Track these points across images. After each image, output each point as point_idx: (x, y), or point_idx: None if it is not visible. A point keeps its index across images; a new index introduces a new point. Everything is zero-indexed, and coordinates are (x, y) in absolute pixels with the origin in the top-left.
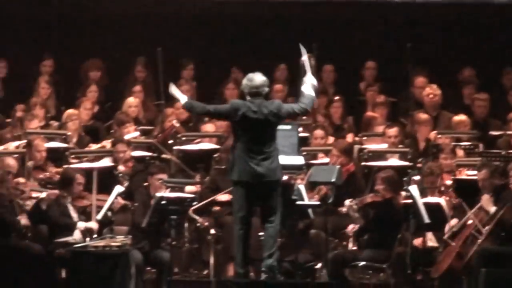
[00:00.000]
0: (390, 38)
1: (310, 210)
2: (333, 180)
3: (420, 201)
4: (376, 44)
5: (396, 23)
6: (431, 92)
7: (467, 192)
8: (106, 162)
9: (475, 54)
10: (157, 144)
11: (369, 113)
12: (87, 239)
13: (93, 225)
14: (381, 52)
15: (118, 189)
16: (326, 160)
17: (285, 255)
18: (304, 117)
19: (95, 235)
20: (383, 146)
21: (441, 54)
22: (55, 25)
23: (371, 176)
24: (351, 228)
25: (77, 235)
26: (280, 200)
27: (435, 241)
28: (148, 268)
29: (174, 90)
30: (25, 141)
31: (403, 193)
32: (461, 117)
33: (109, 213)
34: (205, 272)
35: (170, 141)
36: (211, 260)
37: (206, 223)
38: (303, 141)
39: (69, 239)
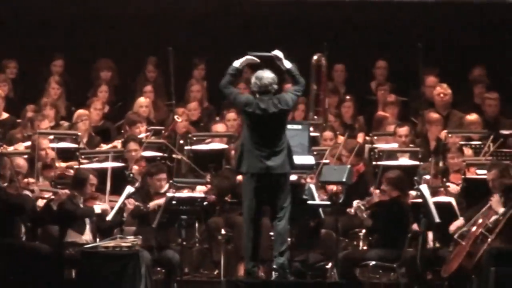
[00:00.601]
0: (401, 37)
1: (320, 210)
2: (344, 179)
3: (431, 200)
4: (387, 44)
5: (407, 22)
6: (441, 91)
7: (476, 191)
8: (114, 163)
9: (486, 53)
10: (168, 144)
11: (380, 113)
12: (97, 239)
13: (106, 206)
14: (392, 51)
15: (129, 189)
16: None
17: (296, 255)
18: (315, 117)
19: (108, 218)
20: (394, 145)
21: (452, 54)
22: (66, 25)
23: (378, 176)
24: (356, 204)
25: (87, 234)
26: (290, 197)
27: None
28: (158, 269)
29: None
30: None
31: (414, 193)
32: (473, 116)
33: (125, 214)
34: (216, 272)
35: (181, 141)
36: (222, 260)
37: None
38: (314, 141)
39: (79, 239)
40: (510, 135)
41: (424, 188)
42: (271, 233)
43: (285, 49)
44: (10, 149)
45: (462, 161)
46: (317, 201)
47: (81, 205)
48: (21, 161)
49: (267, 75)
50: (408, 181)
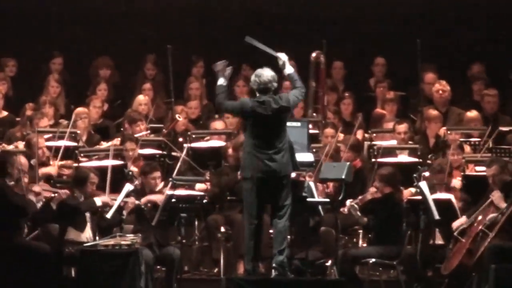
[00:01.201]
0: (400, 34)
1: (320, 207)
2: (343, 176)
3: (430, 197)
4: (385, 40)
5: (405, 19)
6: (440, 88)
7: (476, 188)
8: (114, 160)
9: (485, 50)
10: (167, 142)
11: (379, 110)
12: (97, 237)
13: (107, 199)
14: (390, 48)
15: (128, 187)
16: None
17: (295, 253)
18: (314, 114)
19: (108, 215)
20: (393, 142)
21: (451, 50)
22: (65, 23)
23: (373, 172)
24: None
25: (88, 232)
26: (290, 195)
27: (441, 239)
28: (158, 267)
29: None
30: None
31: (413, 190)
32: (473, 113)
33: (125, 212)
34: (215, 270)
35: (180, 139)
36: (221, 258)
37: None
38: (313, 139)
39: (79, 237)
40: (509, 132)
41: (423, 185)
42: (271, 231)
43: (284, 46)
44: (10, 147)
45: (462, 158)
46: (317, 199)
47: None
48: (23, 159)
49: (266, 73)
50: (402, 177)
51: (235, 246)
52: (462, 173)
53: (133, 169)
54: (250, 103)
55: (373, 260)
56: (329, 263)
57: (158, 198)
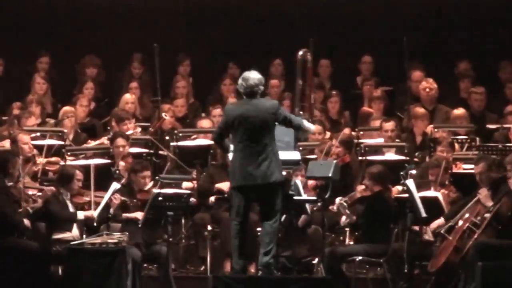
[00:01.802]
0: (387, 32)
1: (307, 205)
2: (330, 175)
3: (417, 195)
4: (372, 38)
5: (392, 16)
6: (427, 86)
7: (464, 186)
8: (100, 159)
9: (472, 48)
10: (154, 140)
11: (366, 108)
12: (84, 236)
13: (93, 213)
14: (377, 46)
15: (115, 186)
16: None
17: (282, 251)
18: (301, 113)
19: (94, 224)
20: (380, 140)
21: (438, 48)
22: (51, 22)
23: (361, 170)
24: (344, 219)
25: (75, 231)
26: (280, 200)
27: (431, 236)
28: (145, 265)
29: None
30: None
31: (399, 187)
32: (460, 110)
33: (111, 210)
34: (202, 268)
35: (167, 137)
36: (208, 256)
37: None
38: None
39: (66, 236)
40: (496, 130)
41: (410, 183)
42: (259, 229)
43: (271, 44)
44: None
45: (451, 156)
46: (304, 197)
47: (68, 201)
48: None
49: (253, 76)
50: (392, 175)
51: (222, 244)
52: (449, 171)
53: (121, 163)
54: (236, 108)
55: (360, 257)
56: (316, 261)
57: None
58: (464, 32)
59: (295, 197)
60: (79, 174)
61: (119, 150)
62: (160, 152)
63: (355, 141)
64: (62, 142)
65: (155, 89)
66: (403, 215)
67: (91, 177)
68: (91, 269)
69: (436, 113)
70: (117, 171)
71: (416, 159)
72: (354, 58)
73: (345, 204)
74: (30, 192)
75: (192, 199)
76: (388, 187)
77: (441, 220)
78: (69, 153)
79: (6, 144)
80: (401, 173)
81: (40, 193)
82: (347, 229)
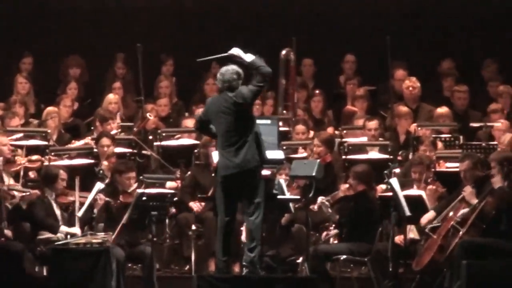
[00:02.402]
0: (369, 31)
1: (291, 204)
2: (313, 174)
3: (401, 193)
4: (355, 37)
5: (374, 15)
6: (410, 84)
7: (447, 184)
8: (84, 159)
9: (454, 46)
10: (138, 140)
11: (349, 107)
12: (69, 236)
13: (76, 230)
14: (360, 45)
15: (99, 186)
16: (304, 154)
17: (267, 250)
18: (284, 112)
19: (78, 214)
20: (363, 139)
21: (420, 47)
22: (35, 22)
23: (347, 170)
24: (325, 235)
25: (75, 229)
26: (262, 192)
27: (416, 234)
28: (130, 265)
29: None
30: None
31: (383, 186)
32: (443, 109)
33: (95, 211)
34: (187, 267)
35: (150, 137)
36: (193, 256)
37: None
38: (284, 136)
39: (51, 236)
40: (479, 128)
41: (394, 181)
42: (242, 228)
43: (253, 44)
44: None
45: (434, 154)
46: (287, 196)
47: (53, 202)
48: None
49: (231, 69)
50: (376, 175)
51: (206, 243)
52: (433, 170)
53: (105, 163)
54: (212, 103)
55: (344, 256)
56: (300, 260)
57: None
58: (447, 30)
59: (278, 196)
60: (63, 174)
61: (104, 150)
62: (144, 152)
63: (339, 140)
64: (46, 143)
65: (138, 89)
66: (387, 214)
67: (76, 177)
68: (76, 269)
69: (420, 112)
70: (101, 171)
71: (399, 158)
72: (337, 57)
73: (327, 203)
74: (16, 193)
75: (172, 209)
76: (372, 186)
77: (431, 213)
78: (53, 154)
79: None
80: (385, 171)
81: (23, 194)
82: (331, 228)
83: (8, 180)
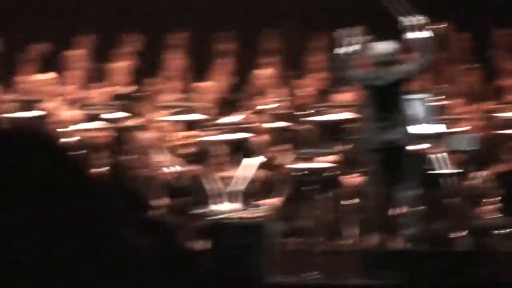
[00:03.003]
0: None
1: (449, 179)
2: (472, 148)
3: None
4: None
5: None
6: None
7: None
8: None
9: None
10: (293, 114)
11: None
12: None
13: (235, 206)
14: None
15: (258, 160)
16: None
17: (428, 224)
18: (443, 85)
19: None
20: None
21: None
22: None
23: (500, 144)
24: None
25: (218, 206)
26: (415, 168)
27: None
28: (288, 239)
29: None
30: None
31: None
32: None
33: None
34: (348, 242)
35: (306, 111)
36: (354, 230)
37: None
38: (440, 109)
39: (209, 210)
40: None
41: None
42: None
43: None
44: (134, 122)
45: None
46: (447, 170)
47: (210, 178)
48: (149, 135)
49: (384, 48)
50: None
51: (367, 218)
52: None
53: (262, 137)
54: (366, 77)
55: (507, 230)
56: (461, 234)
57: None
58: None
59: (437, 171)
60: (217, 149)
61: (259, 126)
62: (300, 126)
63: (494, 114)
64: (199, 117)
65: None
66: None
67: (231, 152)
68: (234, 243)
69: None
70: (259, 146)
71: None
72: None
73: (487, 177)
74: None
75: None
76: None
77: None
78: (207, 128)
79: (144, 120)
80: None
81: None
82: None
83: (165, 156)
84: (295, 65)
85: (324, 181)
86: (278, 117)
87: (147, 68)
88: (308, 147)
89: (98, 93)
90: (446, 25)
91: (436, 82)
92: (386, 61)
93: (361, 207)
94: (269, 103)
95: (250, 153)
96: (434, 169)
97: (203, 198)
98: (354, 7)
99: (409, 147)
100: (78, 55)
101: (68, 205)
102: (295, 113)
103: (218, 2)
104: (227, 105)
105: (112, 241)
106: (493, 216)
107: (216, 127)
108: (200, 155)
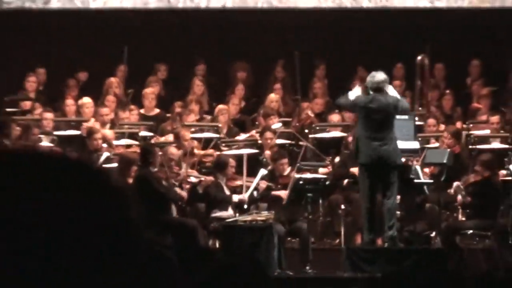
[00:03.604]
0: (494, 42)
1: (425, 187)
2: (444, 161)
3: None
4: (480, 45)
5: (496, 27)
6: None
7: None
8: (249, 149)
9: None
10: (296, 133)
11: (475, 104)
12: (237, 214)
13: (245, 196)
14: (484, 52)
15: (262, 172)
16: (436, 145)
17: (405, 226)
18: (420, 108)
19: (245, 206)
20: (487, 131)
21: None
22: (206, 33)
23: (473, 158)
24: (460, 198)
25: (230, 211)
26: (397, 179)
27: None
28: (289, 239)
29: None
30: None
31: (504, 172)
32: None
33: (255, 193)
34: (337, 241)
35: (306, 131)
36: (342, 231)
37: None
38: (419, 129)
39: (222, 214)
40: None
41: None
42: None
43: (393, 50)
44: (161, 139)
45: None
46: (422, 180)
47: (224, 185)
48: (173, 150)
49: (379, 75)
50: (498, 162)
51: (353, 221)
52: None
53: (267, 153)
54: (365, 99)
55: (471, 231)
56: (433, 234)
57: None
58: None
59: (415, 180)
60: (232, 162)
61: (267, 142)
62: (301, 143)
63: (466, 132)
64: (217, 135)
65: (295, 89)
66: (507, 195)
67: (244, 164)
68: (243, 243)
69: None
70: (264, 159)
71: None
72: (465, 62)
73: (461, 187)
74: (193, 179)
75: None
76: (496, 172)
77: None
78: (223, 145)
79: (170, 138)
80: (505, 159)
81: (200, 180)
82: (459, 207)
83: (186, 168)
84: (297, 90)
85: (320, 189)
86: (283, 135)
87: (175, 93)
88: (307, 160)
89: (131, 114)
90: (423, 56)
91: (418, 105)
92: (379, 88)
93: (350, 211)
94: (276, 123)
95: (260, 165)
96: (413, 178)
97: (220, 204)
98: (348, 41)
99: (395, 162)
100: (113, 82)
101: (101, 213)
102: (298, 131)
103: (235, 37)
104: (241, 124)
105: (139, 244)
106: (461, 219)
107: (232, 143)
108: (217, 167)
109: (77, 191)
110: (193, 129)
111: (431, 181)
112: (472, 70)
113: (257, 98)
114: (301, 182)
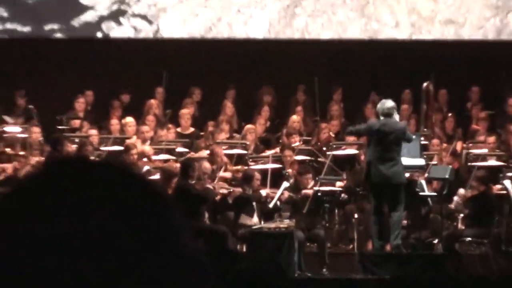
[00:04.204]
0: (488, 71)
1: (429, 199)
2: (447, 176)
3: None
4: (479, 74)
5: (494, 57)
6: None
7: None
8: (274, 164)
9: None
10: (315, 150)
11: (474, 126)
12: (262, 222)
13: (269, 191)
14: (483, 79)
15: (285, 184)
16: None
17: (411, 233)
18: (425, 129)
19: (270, 205)
20: (484, 150)
21: None
22: (236, 61)
23: (472, 173)
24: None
25: (255, 218)
26: (403, 195)
27: None
28: (308, 244)
29: None
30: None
31: (499, 186)
32: None
33: (278, 203)
34: (351, 246)
35: (324, 148)
36: (355, 237)
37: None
38: (424, 148)
39: (248, 222)
40: None
41: (507, 183)
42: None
43: (402, 77)
44: (196, 155)
45: None
46: (427, 193)
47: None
48: (207, 165)
49: (389, 102)
50: (493, 178)
51: (365, 229)
52: None
53: (289, 170)
54: (376, 123)
55: (469, 238)
56: (436, 241)
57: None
58: None
59: (420, 193)
60: (257, 175)
61: (287, 159)
62: (319, 159)
63: (466, 151)
64: (245, 152)
65: (315, 111)
66: (501, 207)
67: (268, 178)
68: (267, 247)
69: None
70: (287, 173)
71: (511, 165)
72: (465, 88)
73: (460, 202)
74: (223, 190)
75: (343, 195)
76: (490, 187)
77: None
78: (250, 160)
79: (203, 153)
80: (500, 175)
81: (230, 191)
82: (459, 217)
83: (218, 181)
84: (316, 112)
85: (336, 200)
86: (304, 152)
87: (208, 113)
88: (325, 175)
89: (169, 132)
90: (428, 82)
91: (423, 126)
92: (389, 113)
93: (362, 220)
94: (298, 141)
95: (283, 179)
96: (418, 192)
97: (247, 212)
98: (362, 69)
99: (402, 181)
100: (153, 104)
101: (148, 220)
102: (317, 149)
103: (261, 65)
104: (267, 142)
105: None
106: (460, 228)
107: (258, 159)
108: (245, 180)
109: (129, 198)
110: (224, 146)
111: (435, 194)
112: (472, 96)
113: (280, 119)
114: (319, 193)
